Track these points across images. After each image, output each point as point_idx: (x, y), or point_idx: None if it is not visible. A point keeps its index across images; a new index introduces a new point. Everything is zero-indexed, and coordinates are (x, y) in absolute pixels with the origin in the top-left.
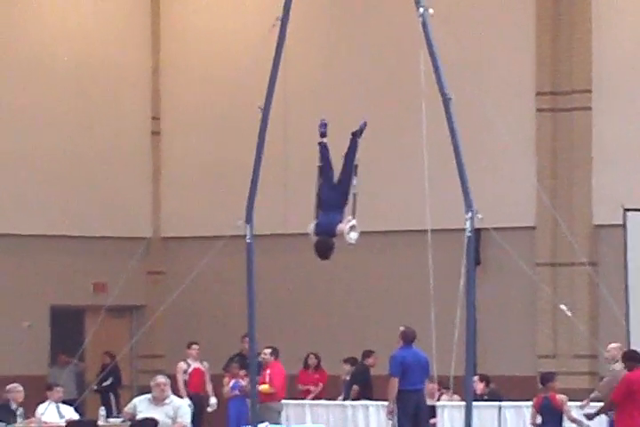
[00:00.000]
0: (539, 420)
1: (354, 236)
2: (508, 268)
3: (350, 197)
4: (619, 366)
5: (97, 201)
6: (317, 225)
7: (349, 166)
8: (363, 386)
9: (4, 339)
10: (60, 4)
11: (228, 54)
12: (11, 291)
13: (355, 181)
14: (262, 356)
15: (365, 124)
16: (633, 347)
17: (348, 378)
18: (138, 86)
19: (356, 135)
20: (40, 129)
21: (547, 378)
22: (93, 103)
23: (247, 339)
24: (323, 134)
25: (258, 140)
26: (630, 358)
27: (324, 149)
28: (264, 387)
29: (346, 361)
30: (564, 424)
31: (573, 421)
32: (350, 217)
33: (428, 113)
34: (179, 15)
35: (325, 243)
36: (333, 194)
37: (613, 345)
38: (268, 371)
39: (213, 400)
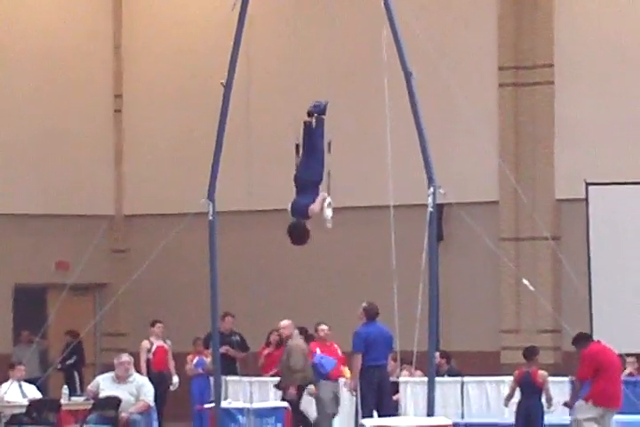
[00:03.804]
0: (517, 393)
1: (329, 213)
2: (472, 243)
3: (325, 175)
4: (292, 342)
5: (60, 179)
6: (293, 204)
7: (321, 144)
8: None
9: None
10: None
11: (190, 32)
12: None
13: (329, 159)
14: (324, 332)
15: (326, 103)
16: (595, 319)
17: None
18: (100, 65)
19: (321, 113)
20: (1, 109)
21: (531, 352)
22: (55, 82)
23: (227, 318)
24: (310, 113)
25: (220, 118)
26: (580, 338)
27: (308, 128)
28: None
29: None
30: (542, 400)
31: (549, 400)
32: (325, 194)
33: (390, 89)
34: None
35: (296, 227)
36: (309, 173)
37: (286, 322)
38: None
39: (175, 379)
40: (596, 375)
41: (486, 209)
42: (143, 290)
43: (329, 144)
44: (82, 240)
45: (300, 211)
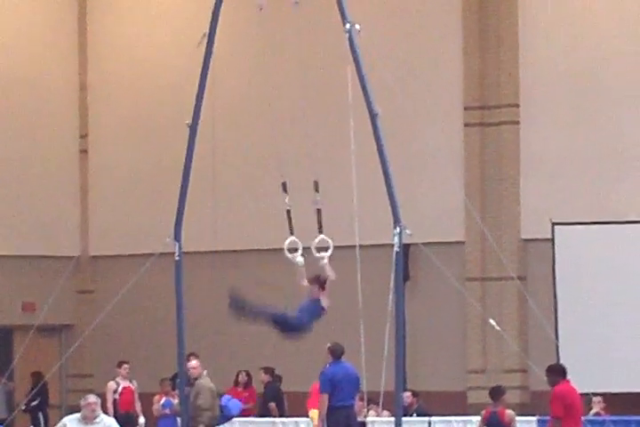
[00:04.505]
0: None
1: (332, 275)
2: (438, 283)
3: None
4: (201, 381)
5: (25, 220)
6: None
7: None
8: (276, 402)
9: None
10: None
11: (155, 71)
12: None
13: (317, 197)
14: None
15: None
16: (562, 359)
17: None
18: (65, 104)
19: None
20: None
21: (497, 392)
22: (20, 121)
23: (192, 358)
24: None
25: (186, 157)
26: (554, 371)
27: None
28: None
29: (265, 371)
30: None
31: None
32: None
33: (356, 128)
34: (106, 33)
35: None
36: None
37: (195, 363)
38: None
39: (142, 420)
40: (565, 417)
41: (452, 249)
42: (109, 331)
43: (315, 183)
44: (48, 281)
45: (318, 315)
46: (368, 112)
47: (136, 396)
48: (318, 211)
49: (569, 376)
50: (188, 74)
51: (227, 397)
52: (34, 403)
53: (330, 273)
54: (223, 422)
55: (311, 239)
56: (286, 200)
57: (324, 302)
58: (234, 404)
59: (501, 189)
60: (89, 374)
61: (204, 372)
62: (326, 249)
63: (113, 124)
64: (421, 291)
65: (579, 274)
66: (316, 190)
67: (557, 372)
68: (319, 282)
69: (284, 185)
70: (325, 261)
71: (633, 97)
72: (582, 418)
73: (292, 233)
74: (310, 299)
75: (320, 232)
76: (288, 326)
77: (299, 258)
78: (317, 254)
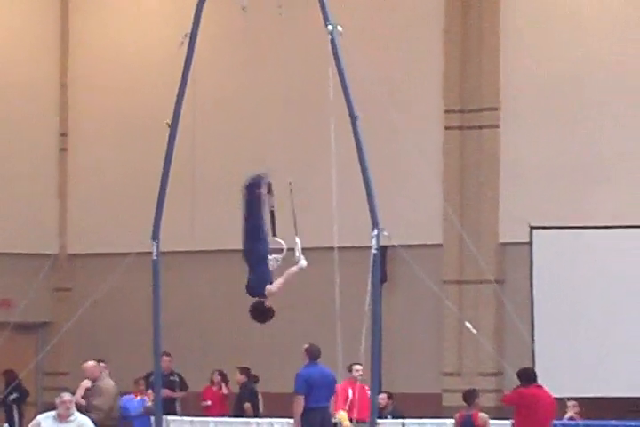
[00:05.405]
0: None
1: (304, 263)
2: (415, 285)
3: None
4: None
5: (3, 218)
6: (248, 285)
7: (260, 218)
8: (251, 403)
9: None
10: None
11: (136, 70)
12: None
13: (292, 198)
14: (358, 372)
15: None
16: (538, 363)
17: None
18: (46, 103)
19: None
20: None
21: (471, 395)
22: (0, 120)
23: (164, 358)
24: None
25: (165, 157)
26: (523, 376)
27: (249, 202)
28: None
29: (241, 371)
30: None
31: None
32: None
33: (336, 130)
34: (87, 32)
35: (257, 308)
36: (255, 248)
37: (90, 364)
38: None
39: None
40: (523, 421)
41: (430, 252)
42: (86, 329)
43: (290, 185)
44: (25, 279)
45: (257, 292)
46: (349, 115)
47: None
48: (293, 212)
49: (544, 381)
50: (169, 73)
51: (125, 397)
52: (12, 397)
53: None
54: (123, 423)
55: (288, 241)
56: (272, 201)
57: (267, 288)
58: (133, 405)
59: (480, 193)
60: (65, 372)
61: (104, 373)
62: (280, 251)
63: (93, 122)
64: (398, 293)
65: (556, 278)
66: (290, 191)
67: (527, 376)
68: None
69: (269, 187)
70: (276, 264)
71: (613, 102)
72: (556, 423)
73: (274, 234)
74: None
75: (273, 235)
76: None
77: (302, 262)
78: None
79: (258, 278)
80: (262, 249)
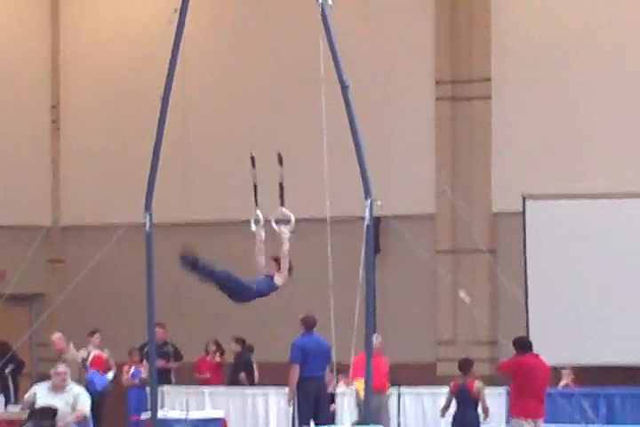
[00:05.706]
0: (454, 404)
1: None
2: (409, 255)
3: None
4: (68, 354)
5: None
6: (259, 293)
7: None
8: (246, 372)
9: None
10: None
11: (127, 43)
12: None
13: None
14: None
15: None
16: (532, 332)
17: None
18: (37, 75)
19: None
20: None
21: (466, 364)
22: None
23: (157, 328)
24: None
25: (157, 128)
26: (518, 344)
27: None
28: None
29: (236, 341)
30: (479, 411)
31: (485, 411)
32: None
33: (328, 103)
34: (78, 4)
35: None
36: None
37: (56, 335)
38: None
39: (110, 375)
40: (518, 389)
41: (423, 222)
42: (79, 300)
43: (279, 156)
44: (18, 250)
45: (269, 291)
46: (339, 84)
47: (111, 362)
48: (280, 184)
49: (538, 349)
50: (160, 46)
51: (92, 371)
52: (8, 369)
53: (285, 245)
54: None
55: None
56: (254, 174)
57: (278, 280)
58: (99, 379)
59: (472, 163)
60: None
61: (71, 345)
62: (287, 222)
63: (85, 94)
64: (392, 263)
65: (549, 248)
66: (280, 163)
67: (522, 345)
68: (277, 262)
69: (252, 160)
70: (286, 234)
71: (605, 71)
72: (551, 391)
73: (256, 205)
74: (265, 275)
75: (281, 205)
76: (237, 291)
77: (257, 230)
78: (275, 226)
79: (260, 292)
80: (249, 293)
